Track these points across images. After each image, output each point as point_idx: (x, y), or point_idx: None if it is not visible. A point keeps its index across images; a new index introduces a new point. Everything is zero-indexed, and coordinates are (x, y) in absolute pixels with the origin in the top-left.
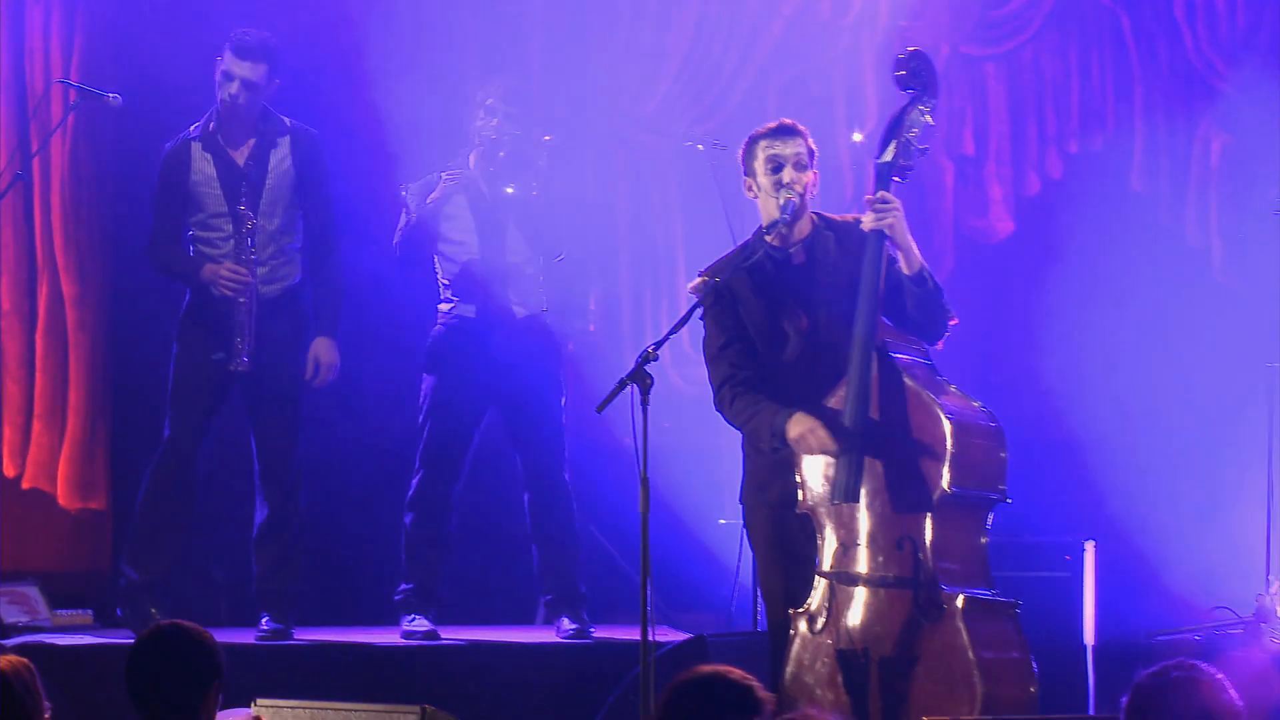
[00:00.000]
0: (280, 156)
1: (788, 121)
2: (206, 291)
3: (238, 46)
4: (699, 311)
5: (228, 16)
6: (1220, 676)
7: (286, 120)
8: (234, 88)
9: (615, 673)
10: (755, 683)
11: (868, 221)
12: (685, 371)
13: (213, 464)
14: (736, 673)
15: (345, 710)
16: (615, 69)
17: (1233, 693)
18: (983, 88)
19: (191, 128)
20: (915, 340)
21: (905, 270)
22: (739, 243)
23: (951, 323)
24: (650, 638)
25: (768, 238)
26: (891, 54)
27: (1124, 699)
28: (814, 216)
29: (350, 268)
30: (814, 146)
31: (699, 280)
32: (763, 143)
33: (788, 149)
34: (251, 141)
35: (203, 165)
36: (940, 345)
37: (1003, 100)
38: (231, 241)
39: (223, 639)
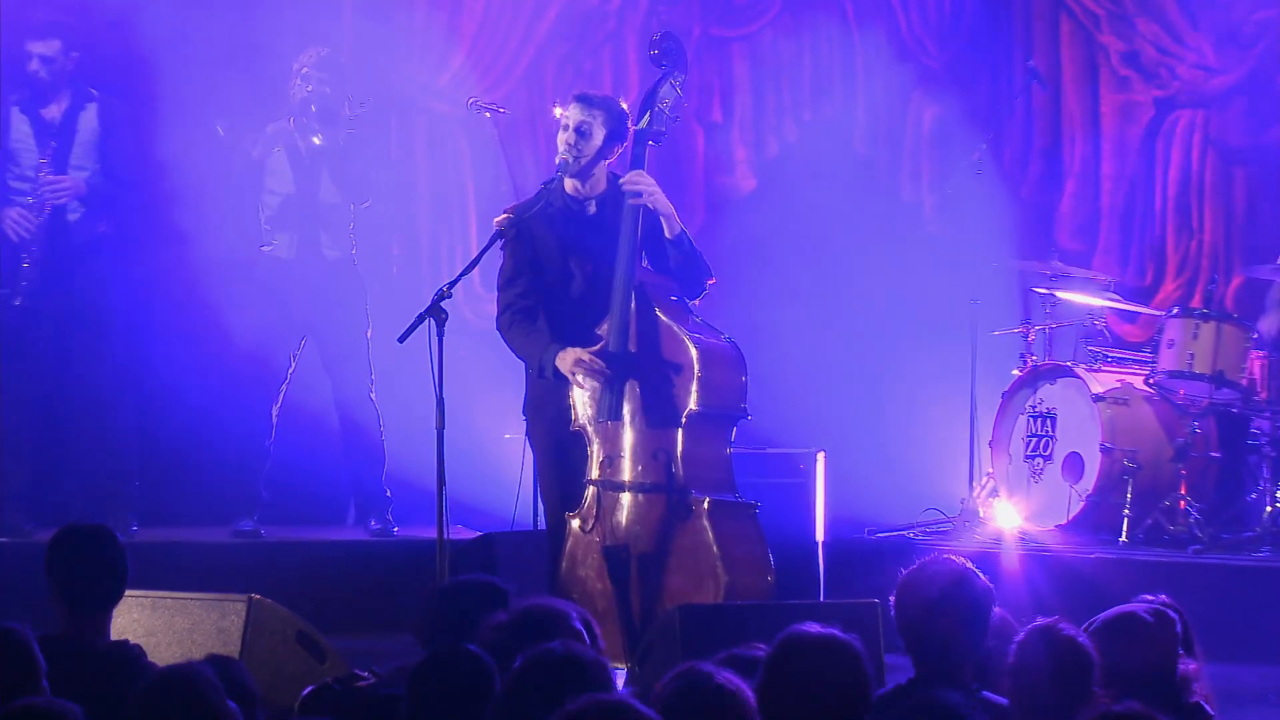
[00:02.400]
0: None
1: (583, 91)
2: None
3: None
4: (499, 243)
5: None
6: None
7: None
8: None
9: (415, 565)
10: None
11: (629, 199)
12: (476, 307)
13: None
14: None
15: (182, 599)
16: (414, 45)
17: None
18: (729, 64)
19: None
20: (669, 280)
21: (667, 234)
22: (533, 193)
23: (710, 281)
24: (445, 535)
25: (570, 188)
26: (650, 35)
27: (892, 597)
28: (611, 174)
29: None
30: (606, 115)
31: (504, 216)
32: (558, 108)
33: (568, 114)
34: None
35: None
36: (699, 301)
37: (746, 75)
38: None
39: None
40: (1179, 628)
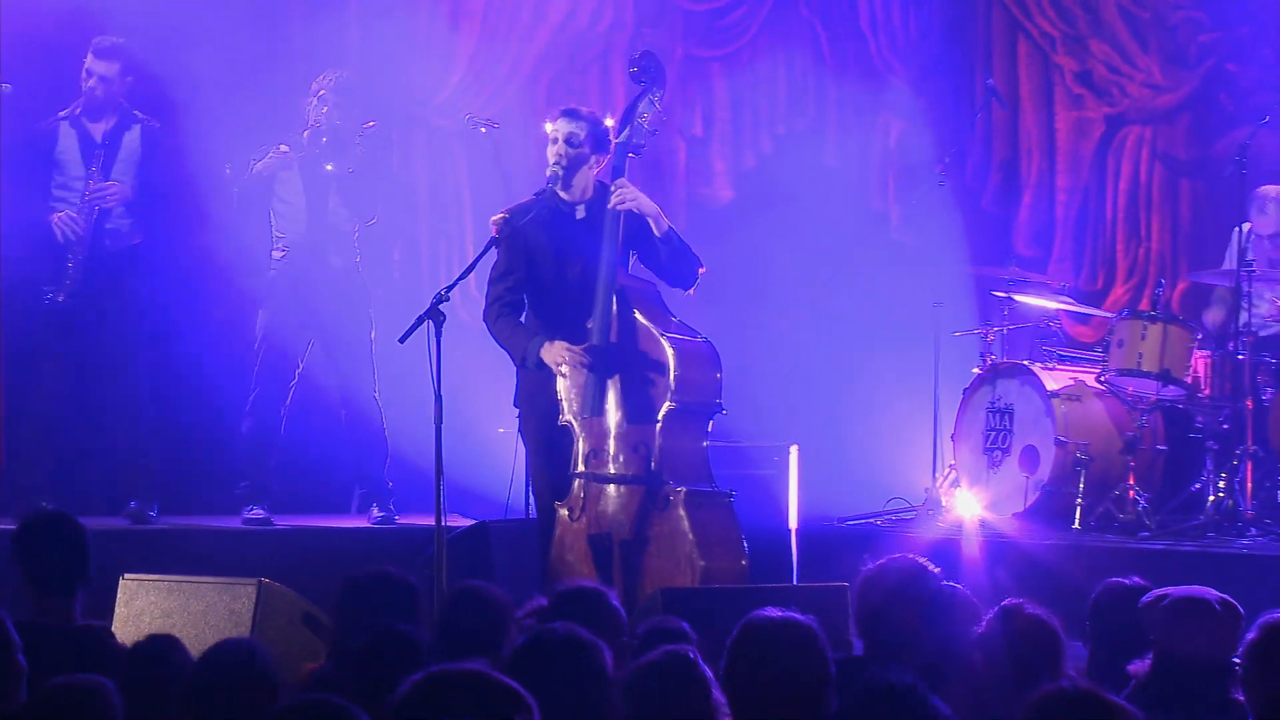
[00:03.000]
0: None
1: (571, 106)
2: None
3: (96, 49)
4: (491, 247)
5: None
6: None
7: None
8: (92, 81)
9: (415, 550)
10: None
11: (611, 202)
12: (472, 310)
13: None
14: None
15: (196, 582)
16: (415, 64)
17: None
18: (709, 82)
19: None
20: (653, 285)
21: (655, 233)
22: (527, 199)
23: (700, 270)
24: (444, 523)
25: (561, 195)
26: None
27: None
28: (598, 182)
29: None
30: (590, 128)
31: (500, 216)
32: (548, 123)
33: (557, 128)
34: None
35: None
36: (693, 291)
37: (725, 92)
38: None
39: (97, 525)
40: (1242, 622)
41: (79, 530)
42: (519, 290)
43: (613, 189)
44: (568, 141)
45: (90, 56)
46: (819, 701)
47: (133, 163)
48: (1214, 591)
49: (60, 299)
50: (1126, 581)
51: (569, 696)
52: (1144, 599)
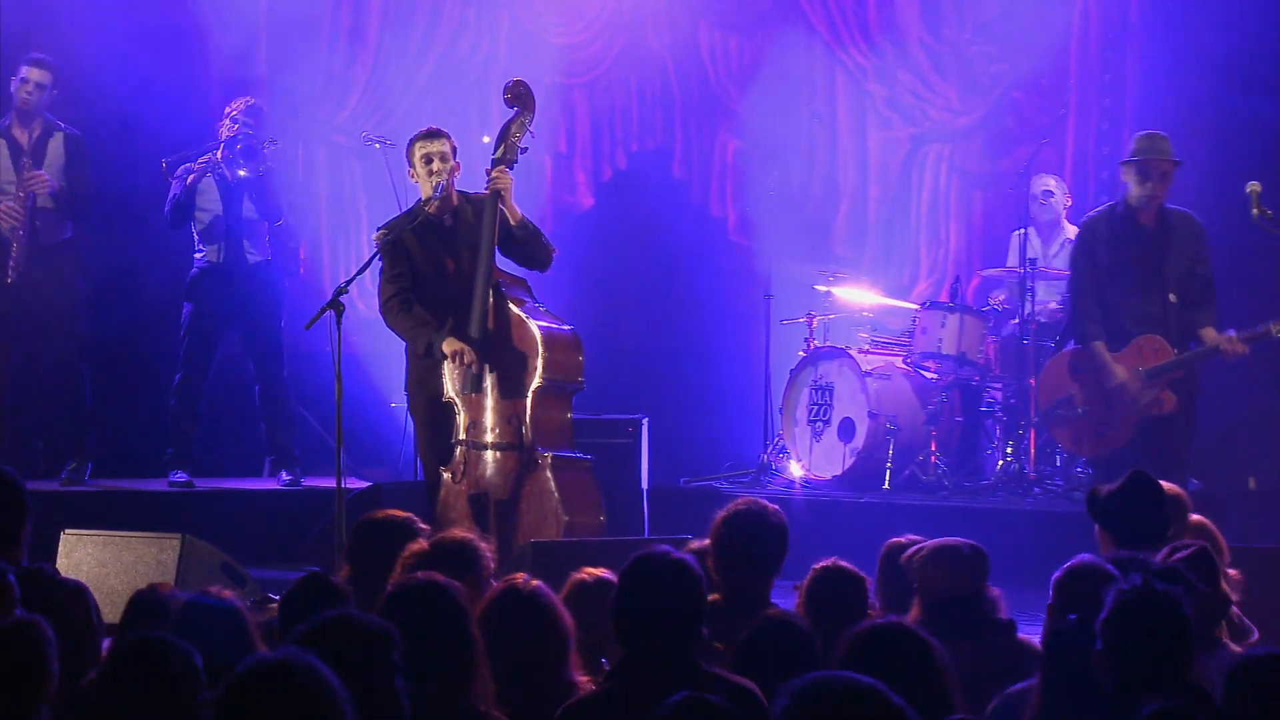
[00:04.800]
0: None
1: (435, 128)
2: None
3: (31, 60)
4: (377, 255)
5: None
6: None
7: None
8: (28, 88)
9: (318, 509)
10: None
11: (490, 185)
12: (367, 301)
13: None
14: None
15: (128, 537)
16: (317, 88)
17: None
18: (572, 105)
19: None
20: (521, 280)
21: (511, 222)
22: (404, 209)
23: (553, 253)
24: (343, 485)
25: (426, 207)
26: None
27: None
28: (457, 193)
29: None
30: (455, 144)
31: (379, 233)
32: (419, 143)
33: (435, 147)
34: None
35: None
36: (548, 269)
37: (586, 114)
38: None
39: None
40: (988, 561)
41: (16, 485)
42: (407, 288)
43: (490, 178)
44: (442, 159)
45: (25, 68)
46: (697, 624)
47: (58, 166)
48: (964, 540)
49: (9, 281)
50: (902, 539)
51: (433, 633)
52: (906, 553)
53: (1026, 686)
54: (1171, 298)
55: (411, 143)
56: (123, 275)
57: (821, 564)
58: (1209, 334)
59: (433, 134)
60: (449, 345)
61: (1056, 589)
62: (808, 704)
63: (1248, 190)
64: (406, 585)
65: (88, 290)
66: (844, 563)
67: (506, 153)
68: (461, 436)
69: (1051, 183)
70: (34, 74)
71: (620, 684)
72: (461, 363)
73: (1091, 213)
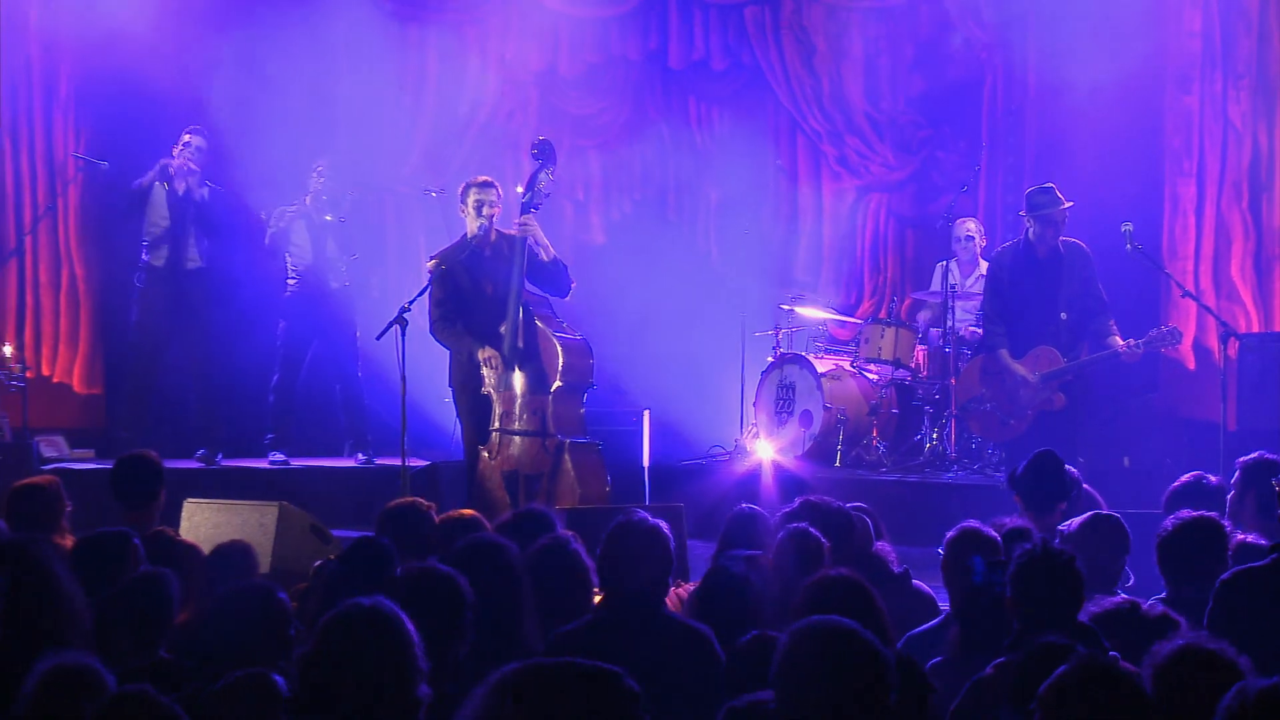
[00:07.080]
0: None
1: (489, 179)
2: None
3: (192, 130)
4: (433, 276)
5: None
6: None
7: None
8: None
9: (387, 482)
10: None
11: (520, 230)
12: (423, 320)
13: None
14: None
15: (236, 505)
16: (385, 149)
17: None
18: (587, 162)
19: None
20: (546, 300)
21: (544, 259)
22: (454, 241)
23: (572, 284)
24: (406, 464)
25: (472, 241)
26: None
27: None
28: (496, 230)
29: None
30: (502, 192)
31: (433, 262)
32: (474, 190)
33: (487, 195)
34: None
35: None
36: (569, 297)
37: (598, 169)
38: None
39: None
40: (871, 523)
41: (155, 465)
42: (452, 307)
43: (519, 224)
44: (490, 205)
45: (188, 135)
46: (665, 574)
47: (204, 209)
48: (847, 505)
49: (139, 284)
50: (813, 498)
51: (489, 585)
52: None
53: (931, 628)
54: (1063, 315)
55: (468, 187)
56: (241, 296)
57: (789, 527)
58: (1115, 341)
59: (487, 184)
60: (482, 353)
61: (946, 545)
62: (804, 641)
63: (1122, 229)
64: (474, 542)
65: (217, 311)
66: (811, 527)
67: (533, 199)
68: (496, 425)
69: (972, 226)
70: (195, 140)
71: (602, 617)
72: (491, 366)
73: (1000, 248)
